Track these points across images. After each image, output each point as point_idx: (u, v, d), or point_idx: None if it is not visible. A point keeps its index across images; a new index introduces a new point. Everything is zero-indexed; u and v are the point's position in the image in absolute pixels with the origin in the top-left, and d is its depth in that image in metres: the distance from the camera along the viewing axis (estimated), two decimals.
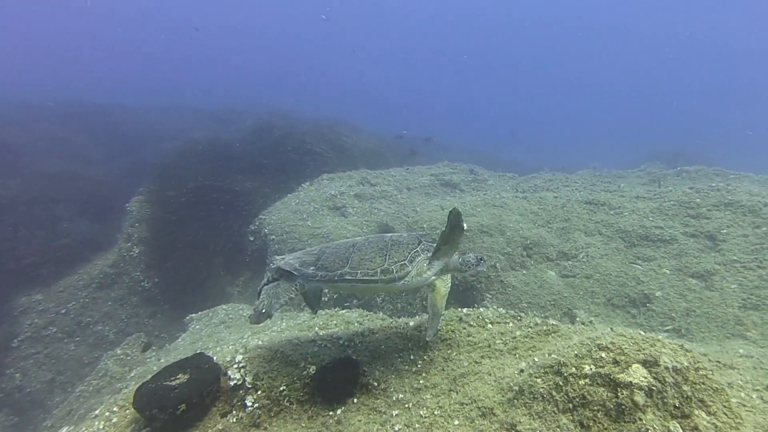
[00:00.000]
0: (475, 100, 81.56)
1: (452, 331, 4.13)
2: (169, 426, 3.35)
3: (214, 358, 3.95)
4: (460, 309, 4.53)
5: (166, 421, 3.32)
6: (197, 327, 7.49)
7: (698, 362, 2.74)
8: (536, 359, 3.26)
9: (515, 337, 3.86)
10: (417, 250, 3.79)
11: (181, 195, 12.08)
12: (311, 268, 3.73)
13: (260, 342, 4.45)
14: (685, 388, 2.63)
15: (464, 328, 4.16)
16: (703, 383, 2.66)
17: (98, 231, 11.97)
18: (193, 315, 8.04)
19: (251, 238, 10.54)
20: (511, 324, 4.12)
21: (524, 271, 7.70)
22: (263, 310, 3.61)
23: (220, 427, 3.40)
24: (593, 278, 7.38)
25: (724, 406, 2.62)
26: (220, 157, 14.02)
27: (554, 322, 3.92)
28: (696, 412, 2.59)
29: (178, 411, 3.33)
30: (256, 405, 3.54)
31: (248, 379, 3.70)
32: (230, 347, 5.05)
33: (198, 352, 4.10)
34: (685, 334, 6.14)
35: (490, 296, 7.37)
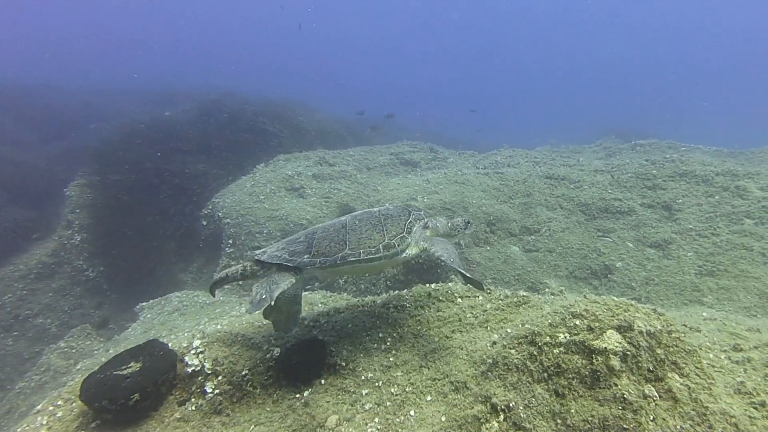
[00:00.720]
0: (432, 83, 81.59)
1: (421, 307, 4.07)
2: (121, 417, 3.14)
3: (169, 344, 3.73)
4: (428, 285, 4.48)
5: (118, 412, 3.11)
6: (149, 316, 7.15)
7: (671, 325, 2.78)
8: (509, 330, 3.24)
9: (486, 310, 3.84)
10: (410, 221, 3.81)
11: (126, 179, 11.48)
12: (306, 257, 3.55)
13: (219, 327, 4.26)
14: (659, 351, 2.66)
15: (433, 304, 4.10)
16: (676, 346, 2.70)
17: (34, 219, 11.24)
18: (144, 304, 7.68)
19: (204, 223, 10.16)
20: (480, 297, 4.10)
21: (488, 247, 7.76)
22: (264, 296, 3.31)
23: (178, 416, 3.22)
24: (556, 252, 7.53)
25: (697, 368, 2.67)
26: (167, 139, 13.38)
27: (525, 294, 3.93)
28: (669, 374, 2.63)
29: (130, 401, 3.12)
30: (216, 391, 3.37)
31: (207, 364, 3.52)
32: (186, 334, 4.82)
33: (151, 339, 3.87)
34: (645, 302, 6.34)
35: (456, 274, 7.39)
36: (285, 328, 3.89)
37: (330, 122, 18.00)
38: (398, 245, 3.64)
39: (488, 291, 4.19)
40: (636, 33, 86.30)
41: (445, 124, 35.39)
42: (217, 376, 3.46)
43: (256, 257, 3.71)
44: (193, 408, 3.28)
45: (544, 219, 8.13)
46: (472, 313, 3.84)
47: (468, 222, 4.11)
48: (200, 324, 5.54)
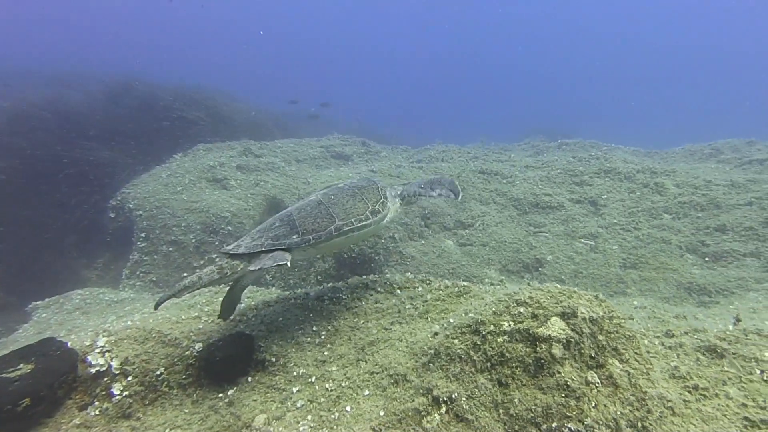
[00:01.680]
0: (362, 78, 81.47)
1: (359, 299, 3.94)
2: (6, 427, 2.75)
3: (68, 343, 3.34)
4: (365, 276, 4.37)
5: (3, 420, 2.72)
6: (44, 315, 6.46)
7: (612, 311, 2.85)
8: (451, 320, 3.20)
9: (426, 301, 3.78)
10: (381, 187, 4.18)
11: (15, 165, 10.41)
12: (294, 237, 3.53)
13: (129, 323, 3.88)
14: (601, 337, 2.71)
15: (371, 295, 4.00)
16: (617, 332, 2.77)
17: None
18: (39, 302, 6.93)
19: (112, 215, 9.41)
20: (420, 288, 4.04)
21: (422, 241, 7.78)
22: (278, 260, 3.25)
23: (78, 422, 2.87)
24: (489, 246, 7.68)
25: (636, 353, 2.75)
26: (67, 123, 12.23)
27: (465, 284, 3.91)
28: (610, 360, 2.68)
29: (19, 407, 2.74)
30: (125, 393, 3.06)
31: (114, 364, 3.18)
32: (90, 333, 4.37)
33: (46, 338, 3.45)
34: None
35: (389, 267, 7.34)
36: (226, 313, 3.84)
37: (255, 113, 17.39)
38: (382, 210, 3.97)
39: (427, 282, 4.14)
40: (559, 36, 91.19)
41: (374, 119, 35.32)
42: (127, 377, 3.15)
43: (230, 252, 3.50)
44: (97, 412, 2.95)
45: (477, 213, 8.28)
46: (412, 304, 3.77)
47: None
48: (107, 322, 5.06)
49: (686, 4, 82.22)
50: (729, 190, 7.52)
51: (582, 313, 2.72)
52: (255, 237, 3.62)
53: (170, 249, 8.34)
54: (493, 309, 2.89)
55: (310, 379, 3.17)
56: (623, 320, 2.83)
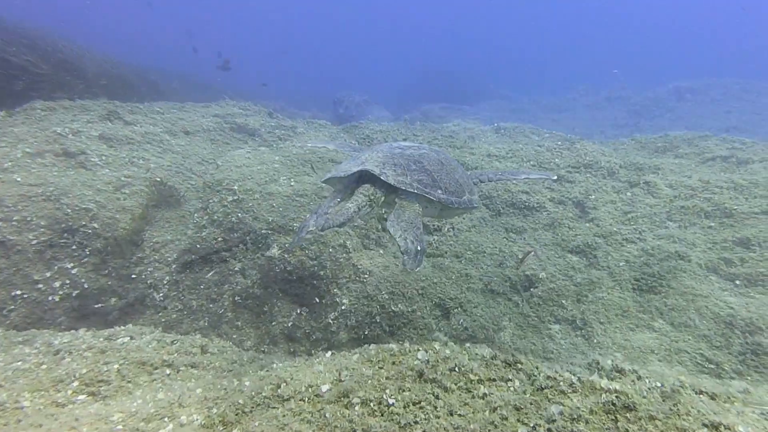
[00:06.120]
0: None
1: (416, 404, 2.23)
2: None
3: None
4: (409, 348, 2.70)
5: None
6: None
7: None
8: None
9: (553, 421, 2.10)
10: None
11: None
12: (440, 192, 3.34)
13: None
14: None
15: (437, 398, 2.27)
16: None
17: None
18: None
19: None
20: (517, 382, 2.39)
21: (381, 251, 6.26)
22: (418, 248, 2.99)
23: None
24: (465, 257, 6.42)
25: None
26: None
27: (613, 386, 2.28)
28: None
29: None
30: None
31: None
32: None
33: None
34: (582, 326, 5.59)
35: (340, 287, 5.72)
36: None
37: (115, 64, 14.15)
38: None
39: (518, 366, 2.51)
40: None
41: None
42: None
43: (378, 174, 3.31)
44: None
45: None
46: (527, 427, 2.06)
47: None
48: None
49: None
50: (735, 194, 6.91)
51: None
52: (395, 169, 3.33)
53: None
54: None
55: None
56: None
